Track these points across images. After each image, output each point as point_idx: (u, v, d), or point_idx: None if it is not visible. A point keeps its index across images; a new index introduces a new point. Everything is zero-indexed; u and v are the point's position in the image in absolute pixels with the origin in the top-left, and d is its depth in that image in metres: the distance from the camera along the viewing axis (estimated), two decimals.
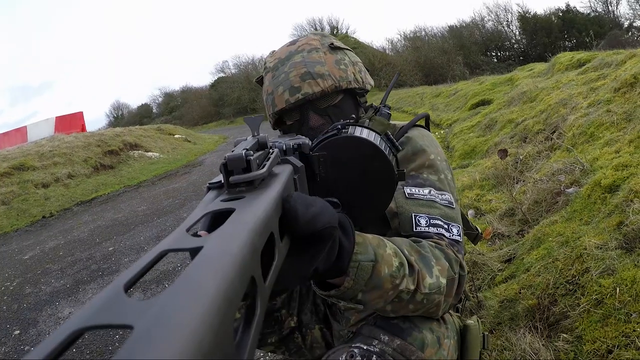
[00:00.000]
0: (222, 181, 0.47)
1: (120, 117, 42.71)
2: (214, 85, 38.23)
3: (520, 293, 1.84)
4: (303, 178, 0.61)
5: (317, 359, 1.37)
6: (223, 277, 0.28)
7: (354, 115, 1.23)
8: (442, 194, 1.09)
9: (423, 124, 1.35)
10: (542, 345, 1.44)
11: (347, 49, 1.28)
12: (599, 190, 2.21)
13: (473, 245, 1.88)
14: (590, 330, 1.39)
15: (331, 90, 1.16)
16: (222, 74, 40.11)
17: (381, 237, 0.83)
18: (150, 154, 11.39)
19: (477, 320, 1.21)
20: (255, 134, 0.59)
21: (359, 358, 0.92)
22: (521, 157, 3.61)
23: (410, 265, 0.84)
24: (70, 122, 12.79)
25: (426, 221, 1.02)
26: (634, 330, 1.28)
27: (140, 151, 11.35)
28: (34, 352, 0.22)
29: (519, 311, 1.72)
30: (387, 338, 0.94)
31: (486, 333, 1.24)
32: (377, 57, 27.97)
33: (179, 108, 38.84)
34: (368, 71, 1.33)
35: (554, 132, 3.74)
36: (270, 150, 0.55)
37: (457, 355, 1.09)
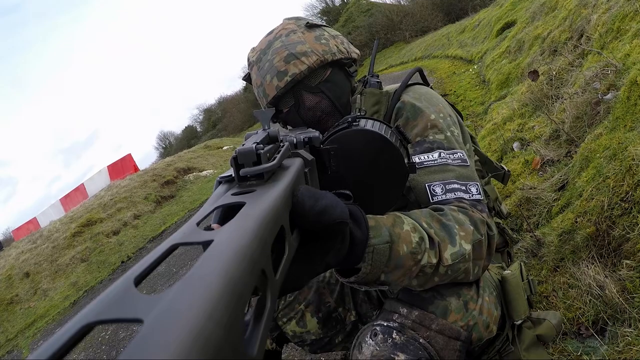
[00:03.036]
0: (233, 175, 0.47)
1: (169, 146, 44.13)
2: (247, 88, 38.65)
3: (576, 222, 1.74)
4: (314, 171, 0.61)
5: None
6: (233, 271, 0.28)
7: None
8: (453, 153, 1.05)
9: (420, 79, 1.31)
10: (606, 277, 1.35)
11: (325, 26, 1.26)
12: (637, 89, 2.03)
13: (503, 184, 1.79)
14: None
15: (317, 65, 1.14)
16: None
17: (397, 214, 0.82)
18: (204, 172, 11.66)
19: (520, 266, 1.18)
20: (266, 127, 0.58)
21: (380, 336, 0.93)
22: (554, 72, 3.39)
23: (431, 238, 0.82)
24: (122, 167, 13.36)
25: (442, 188, 0.99)
26: None
27: (194, 173, 11.69)
28: (46, 345, 0.22)
29: (579, 242, 1.63)
30: (405, 310, 0.95)
31: (531, 278, 1.19)
32: (393, 12, 27.15)
33: (221, 120, 39.64)
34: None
35: (581, 36, 3.48)
36: (281, 144, 0.55)
37: (500, 309, 1.07)
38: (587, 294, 1.38)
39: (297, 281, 0.56)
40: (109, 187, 11.80)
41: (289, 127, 1.28)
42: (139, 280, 0.28)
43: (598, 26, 3.14)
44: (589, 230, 1.62)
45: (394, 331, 0.92)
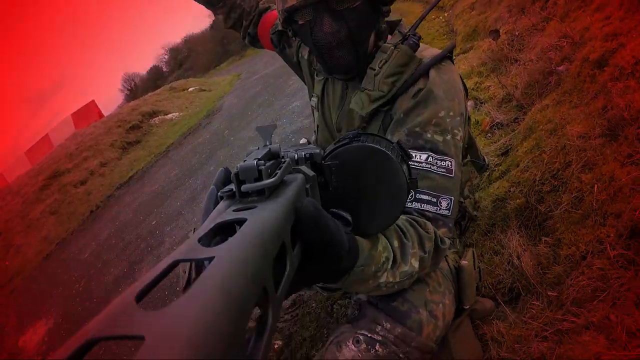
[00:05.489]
0: (234, 190, 0.47)
1: (135, 88, 42.61)
2: (213, 26, 37.08)
3: (510, 191, 1.85)
4: (315, 187, 0.61)
5: None
6: (234, 287, 0.28)
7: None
8: (441, 160, 1.05)
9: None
10: (525, 249, 1.48)
11: None
12: (588, 66, 2.08)
13: (478, 175, 1.87)
14: (569, 232, 1.40)
15: None
16: None
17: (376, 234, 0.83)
18: (170, 115, 11.42)
19: (473, 255, 1.25)
20: (268, 143, 0.58)
21: (364, 345, 1.00)
22: (517, 33, 3.42)
23: (395, 259, 0.85)
24: (86, 114, 13.02)
25: (411, 195, 1.02)
26: (608, 236, 1.27)
27: (159, 116, 11.44)
28: None
29: (509, 211, 1.75)
30: (389, 325, 1.01)
31: (481, 266, 1.28)
32: None
33: (187, 60, 38.27)
34: None
35: None
36: (282, 160, 0.55)
37: (455, 304, 1.15)
38: (508, 263, 1.50)
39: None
40: (73, 136, 11.53)
41: (296, 39, 1.24)
42: (140, 297, 0.28)
43: None
44: (519, 201, 1.73)
45: (377, 343, 1.00)
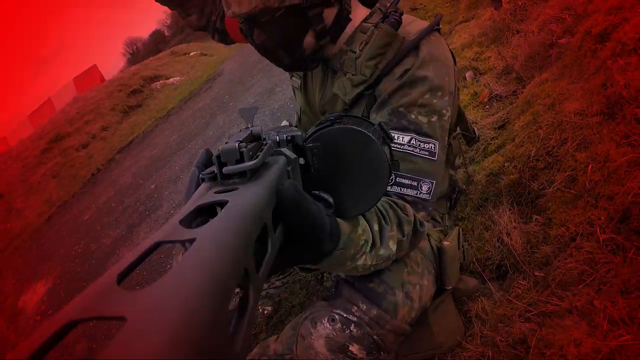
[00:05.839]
0: (216, 172, 0.47)
1: (137, 52, 42.49)
2: None
3: (504, 166, 1.84)
4: (297, 170, 0.61)
5: None
6: (216, 268, 0.28)
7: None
8: (425, 142, 1.04)
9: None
10: (515, 227, 1.47)
11: None
12: (590, 40, 2.03)
13: (467, 147, 1.85)
14: (560, 212, 1.39)
15: (258, 11, 1.01)
16: None
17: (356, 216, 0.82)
18: (171, 80, 11.38)
19: (458, 233, 1.24)
20: (250, 125, 0.59)
21: (339, 325, 1.01)
22: (520, 3, 3.34)
23: (374, 243, 0.85)
24: (88, 79, 12.97)
25: (392, 178, 1.00)
26: (599, 218, 1.25)
27: (161, 81, 11.42)
28: (27, 343, 0.22)
29: (502, 187, 1.74)
30: (365, 307, 1.02)
31: (466, 246, 1.27)
32: None
33: None
34: None
35: None
36: (264, 142, 0.55)
37: (435, 285, 1.15)
38: (497, 240, 1.50)
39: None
40: (75, 100, 11.56)
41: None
42: (121, 278, 0.28)
43: None
44: (513, 177, 1.72)
45: (352, 324, 1.01)
